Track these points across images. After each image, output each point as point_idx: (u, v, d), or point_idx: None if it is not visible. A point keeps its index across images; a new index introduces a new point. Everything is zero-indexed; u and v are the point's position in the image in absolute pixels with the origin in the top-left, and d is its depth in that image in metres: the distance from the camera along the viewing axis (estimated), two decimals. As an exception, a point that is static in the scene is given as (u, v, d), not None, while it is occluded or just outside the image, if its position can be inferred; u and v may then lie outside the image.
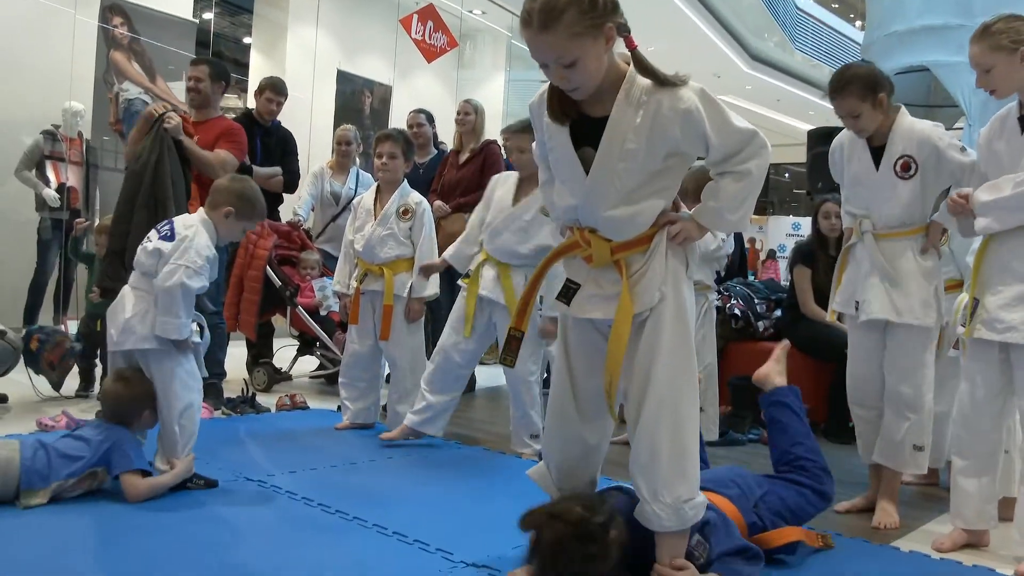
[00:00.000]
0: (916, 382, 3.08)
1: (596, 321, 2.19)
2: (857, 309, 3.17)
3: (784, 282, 6.08)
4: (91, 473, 2.85)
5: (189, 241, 2.99)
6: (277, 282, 5.17)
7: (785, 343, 3.04)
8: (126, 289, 3.05)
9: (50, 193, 6.54)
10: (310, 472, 3.38)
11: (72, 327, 5.61)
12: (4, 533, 2.52)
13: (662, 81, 2.00)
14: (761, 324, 5.11)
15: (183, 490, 2.98)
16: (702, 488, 2.34)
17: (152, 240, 3.03)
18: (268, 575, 2.29)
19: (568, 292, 2.21)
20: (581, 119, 2.08)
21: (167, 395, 2.97)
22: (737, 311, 5.10)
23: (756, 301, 5.18)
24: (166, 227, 3.06)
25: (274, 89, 5.57)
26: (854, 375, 3.26)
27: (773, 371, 2.91)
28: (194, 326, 3.06)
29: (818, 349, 4.64)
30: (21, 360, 4.29)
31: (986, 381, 2.77)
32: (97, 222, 5.39)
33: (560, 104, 2.07)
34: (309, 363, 5.86)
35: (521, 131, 3.70)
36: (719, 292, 5.26)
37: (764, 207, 16.04)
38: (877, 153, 3.08)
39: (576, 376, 2.27)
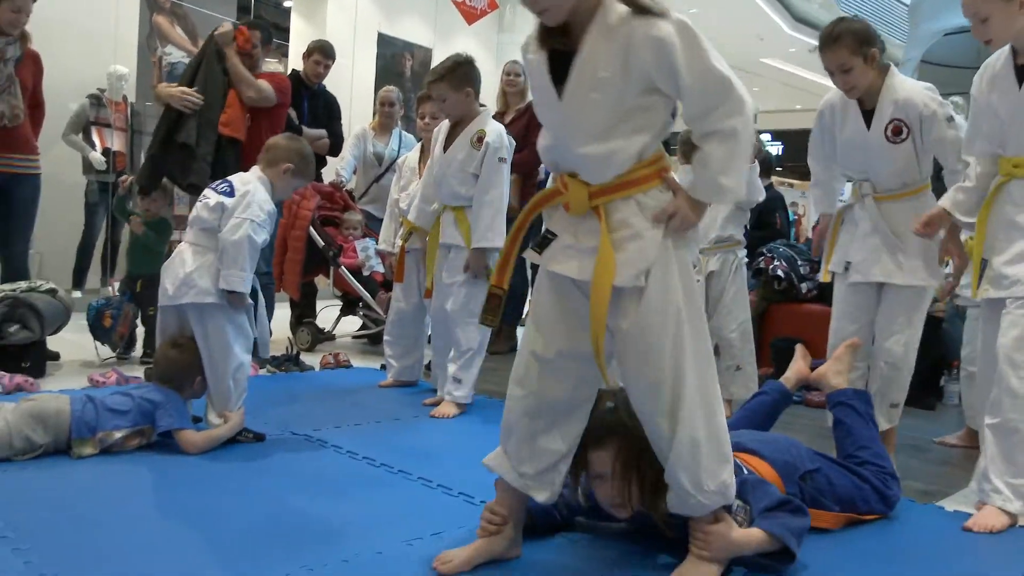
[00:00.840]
0: (907, 340, 3.12)
1: (575, 280, 1.98)
2: (846, 269, 3.17)
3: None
4: (138, 431, 2.91)
5: (251, 196, 3.06)
6: (320, 242, 5.21)
7: (854, 341, 2.98)
8: (183, 246, 3.10)
9: (96, 156, 6.64)
10: (355, 427, 3.43)
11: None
12: (63, 481, 2.60)
13: (640, 8, 1.84)
14: (804, 286, 5.08)
15: (233, 443, 3.05)
16: (748, 451, 2.37)
17: (211, 196, 3.09)
18: (318, 522, 2.34)
19: (544, 242, 2.03)
20: (563, 54, 1.91)
21: (223, 350, 3.02)
22: (780, 272, 5.07)
23: (799, 263, 5.14)
24: (224, 184, 3.12)
25: (323, 52, 5.58)
26: (839, 334, 3.21)
27: (831, 371, 2.86)
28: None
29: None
30: (71, 320, 4.40)
31: None
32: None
33: (541, 33, 1.95)
34: (352, 324, 5.93)
35: (440, 79, 3.70)
36: (762, 254, 5.23)
37: (807, 172, 15.80)
38: (868, 116, 3.05)
39: (546, 336, 2.04)
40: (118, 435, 2.86)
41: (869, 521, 2.51)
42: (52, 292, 4.17)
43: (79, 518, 2.30)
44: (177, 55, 7.68)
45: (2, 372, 3.78)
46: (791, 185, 15.81)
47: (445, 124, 3.91)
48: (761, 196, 4.20)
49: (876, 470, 2.58)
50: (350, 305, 5.61)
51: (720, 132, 1.87)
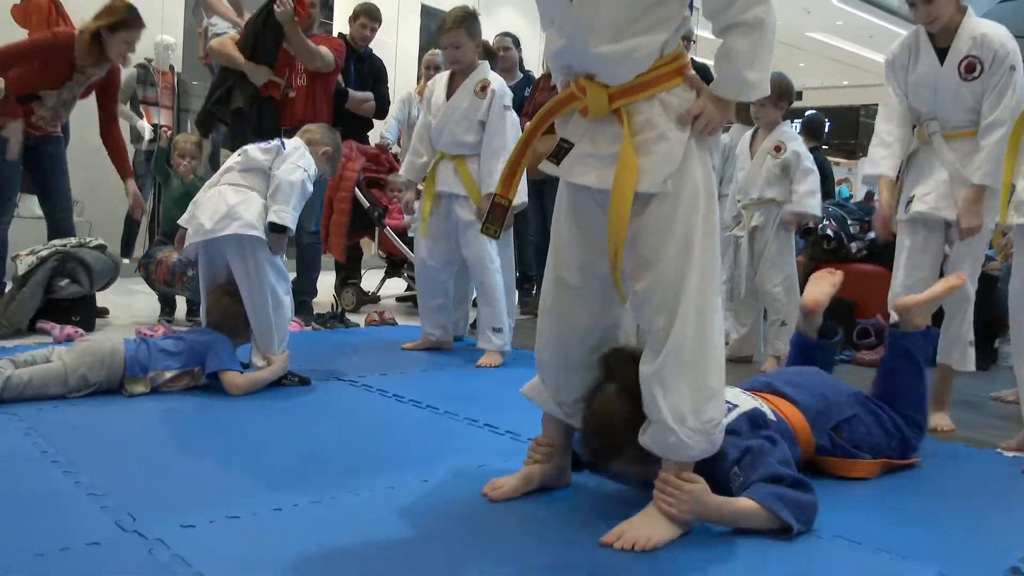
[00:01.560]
0: (975, 279, 3.12)
1: (592, 190, 1.87)
2: (908, 206, 3.12)
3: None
4: (188, 371, 2.96)
5: (304, 151, 3.18)
6: (365, 203, 5.21)
7: (956, 277, 2.81)
8: (220, 187, 3.11)
9: (144, 124, 6.70)
10: (400, 375, 3.44)
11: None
12: (113, 416, 2.65)
13: None
14: (854, 245, 4.99)
15: (278, 386, 3.06)
16: (778, 393, 2.28)
17: (263, 144, 3.17)
18: (363, 455, 2.35)
19: (560, 152, 1.90)
20: None
21: (263, 289, 3.04)
22: (830, 232, 4.98)
23: (849, 222, 5.04)
24: (272, 143, 3.20)
25: (369, 15, 5.56)
26: (906, 284, 3.11)
27: (918, 306, 2.59)
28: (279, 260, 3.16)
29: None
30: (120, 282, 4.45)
31: None
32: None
33: None
34: (396, 286, 5.94)
35: (458, 26, 3.72)
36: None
37: (853, 150, 15.50)
38: (942, 55, 3.02)
39: (566, 259, 1.96)
40: (168, 375, 2.90)
41: (907, 466, 2.43)
42: (101, 248, 4.21)
43: (128, 447, 2.35)
44: (223, 26, 7.67)
45: (53, 324, 3.84)
46: (837, 163, 15.56)
47: (441, 76, 3.96)
48: (819, 212, 4.19)
49: (908, 421, 2.44)
50: (395, 267, 5.62)
51: (744, 23, 1.77)
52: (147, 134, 6.68)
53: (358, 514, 1.90)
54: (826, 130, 7.23)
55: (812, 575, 1.68)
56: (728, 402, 2.03)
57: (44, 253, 4.00)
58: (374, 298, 5.60)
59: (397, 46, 8.73)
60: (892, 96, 3.19)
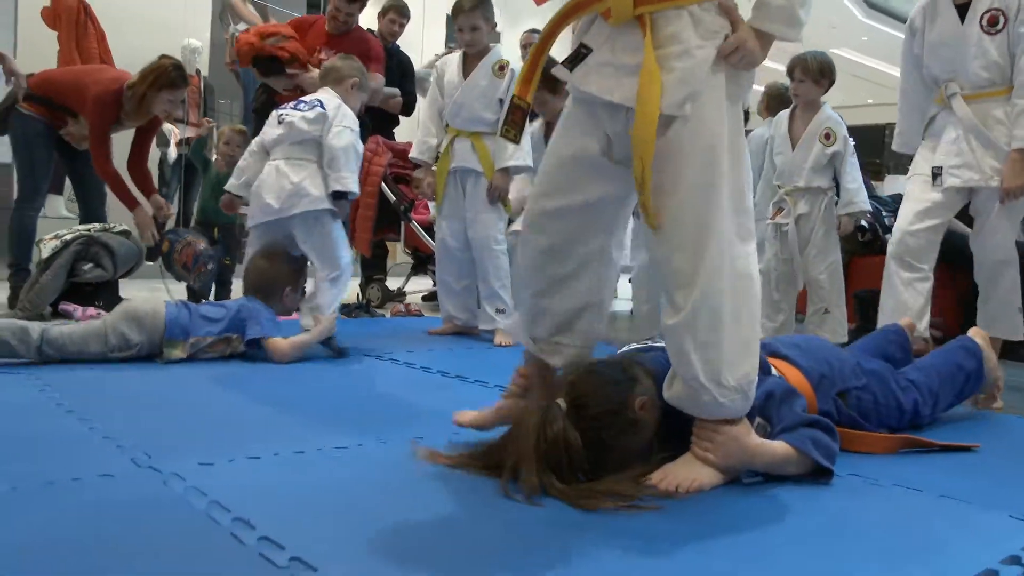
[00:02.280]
0: (1010, 245, 3.02)
1: (604, 104, 1.68)
2: (936, 177, 3.03)
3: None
4: (226, 338, 2.93)
5: (343, 108, 3.22)
6: (392, 197, 5.14)
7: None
8: (275, 163, 3.17)
9: (170, 128, 6.69)
10: (428, 352, 3.36)
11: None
12: (134, 377, 2.59)
13: None
14: (888, 237, 4.85)
15: (313, 359, 3.04)
16: (779, 356, 2.07)
17: (302, 110, 3.18)
18: (395, 412, 2.30)
19: (576, 57, 1.70)
20: None
21: (332, 257, 3.15)
22: (864, 223, 4.84)
23: (884, 214, 4.92)
24: (306, 103, 3.22)
25: (398, 11, 5.52)
26: (907, 229, 3.15)
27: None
28: None
29: (952, 257, 4.37)
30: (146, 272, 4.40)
31: None
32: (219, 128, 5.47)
33: None
34: (422, 285, 5.86)
35: (475, 8, 3.70)
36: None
37: (879, 169, 15.36)
38: (962, 12, 2.95)
39: (554, 182, 1.79)
40: (208, 340, 2.89)
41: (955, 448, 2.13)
42: (125, 233, 4.15)
43: (146, 401, 2.29)
44: (249, 32, 7.73)
45: (75, 305, 3.78)
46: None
47: (450, 58, 3.94)
48: (868, 205, 4.11)
49: (928, 399, 2.26)
50: (421, 263, 5.54)
51: None
52: (174, 138, 6.67)
53: (382, 457, 1.81)
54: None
55: (874, 517, 1.56)
56: None
57: (68, 237, 3.94)
58: (399, 294, 5.52)
59: (423, 42, 8.70)
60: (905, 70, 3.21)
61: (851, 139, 4.06)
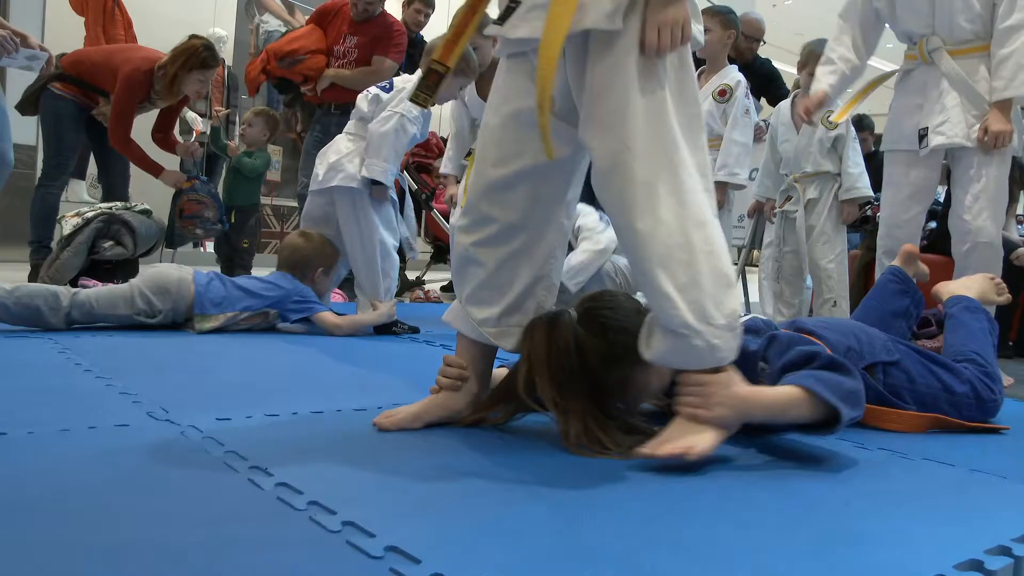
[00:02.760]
0: (997, 211, 2.80)
1: (531, 53, 1.54)
2: (922, 138, 2.84)
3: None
4: (262, 313, 2.94)
5: (406, 92, 3.12)
6: (413, 186, 5.13)
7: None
8: (340, 136, 3.21)
9: (194, 116, 6.70)
10: (451, 332, 3.31)
11: (209, 247, 5.74)
12: (153, 341, 2.56)
13: None
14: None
15: (389, 334, 3.10)
16: (804, 331, 1.95)
17: (372, 89, 3.19)
18: (419, 380, 2.24)
19: (507, 11, 1.56)
20: None
21: (370, 236, 3.10)
22: (868, 212, 4.78)
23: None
24: (393, 82, 3.22)
25: (424, 1, 5.51)
26: (893, 222, 2.96)
27: (960, 284, 2.43)
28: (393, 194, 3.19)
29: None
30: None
31: None
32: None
33: None
34: (441, 277, 5.84)
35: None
36: (869, 202, 4.97)
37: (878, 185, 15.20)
38: None
39: (494, 150, 1.64)
40: (244, 315, 2.89)
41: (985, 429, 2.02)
42: (147, 212, 4.16)
43: (165, 363, 2.27)
44: (274, 23, 7.74)
45: (94, 281, 3.77)
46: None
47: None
48: (871, 191, 4.03)
49: (978, 370, 2.06)
50: (440, 253, 5.52)
51: None
52: (196, 124, 6.67)
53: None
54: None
55: (907, 487, 1.51)
56: None
57: (89, 214, 3.95)
58: (418, 282, 5.49)
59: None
60: (846, 21, 3.04)
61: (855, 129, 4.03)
